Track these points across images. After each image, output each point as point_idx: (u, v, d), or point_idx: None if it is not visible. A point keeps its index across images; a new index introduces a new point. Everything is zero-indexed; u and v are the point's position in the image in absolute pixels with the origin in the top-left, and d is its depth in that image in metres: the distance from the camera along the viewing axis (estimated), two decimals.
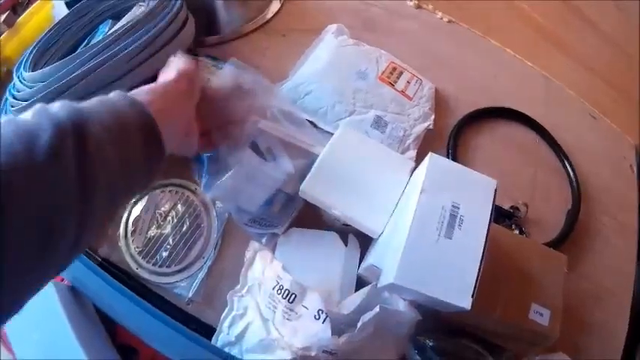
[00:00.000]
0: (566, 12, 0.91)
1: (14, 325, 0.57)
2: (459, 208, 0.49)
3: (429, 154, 0.51)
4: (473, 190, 0.51)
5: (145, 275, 0.59)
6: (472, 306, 0.50)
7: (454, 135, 0.71)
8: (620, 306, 0.66)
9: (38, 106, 0.35)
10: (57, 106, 0.35)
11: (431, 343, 0.54)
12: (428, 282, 0.46)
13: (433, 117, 0.71)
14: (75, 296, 0.62)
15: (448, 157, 0.70)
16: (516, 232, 0.66)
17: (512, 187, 0.71)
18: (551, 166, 0.74)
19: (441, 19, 0.85)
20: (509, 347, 0.57)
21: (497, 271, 0.57)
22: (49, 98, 0.60)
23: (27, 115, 0.34)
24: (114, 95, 0.40)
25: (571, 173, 0.72)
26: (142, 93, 0.43)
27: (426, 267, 0.46)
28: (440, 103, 0.75)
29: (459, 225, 0.48)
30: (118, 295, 0.56)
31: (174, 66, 0.50)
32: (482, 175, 0.52)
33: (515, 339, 0.57)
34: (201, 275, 0.59)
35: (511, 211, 0.68)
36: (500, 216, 0.67)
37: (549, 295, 0.57)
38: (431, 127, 0.70)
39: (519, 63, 0.83)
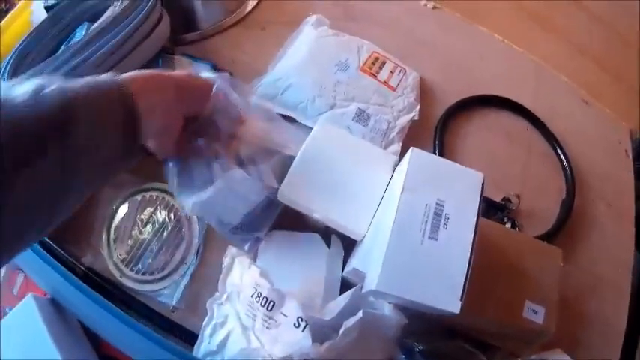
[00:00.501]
0: None
1: None
2: (443, 206, 0.47)
3: (411, 149, 0.49)
4: (458, 186, 0.48)
5: (129, 283, 0.58)
6: (462, 305, 0.48)
7: (441, 125, 0.69)
8: (618, 296, 0.64)
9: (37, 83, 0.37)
10: (51, 85, 0.37)
11: (420, 347, 0.52)
12: (413, 287, 0.44)
13: (418, 107, 0.68)
14: (57, 309, 0.61)
15: (435, 149, 0.68)
16: (508, 225, 0.64)
17: (504, 178, 0.69)
18: (544, 154, 0.72)
19: (426, 5, 0.82)
20: (503, 346, 0.56)
21: (487, 269, 0.55)
22: None
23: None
24: (104, 78, 0.42)
25: (564, 161, 0.70)
26: (134, 78, 0.43)
27: (411, 271, 0.44)
28: (426, 92, 0.73)
29: (445, 224, 0.46)
30: (98, 308, 0.55)
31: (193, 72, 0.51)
32: (468, 169, 0.49)
33: (509, 337, 0.56)
34: (184, 282, 0.58)
35: (502, 203, 0.65)
36: (491, 209, 0.65)
37: (544, 291, 0.55)
38: (416, 117, 0.67)
39: (508, 48, 0.81)
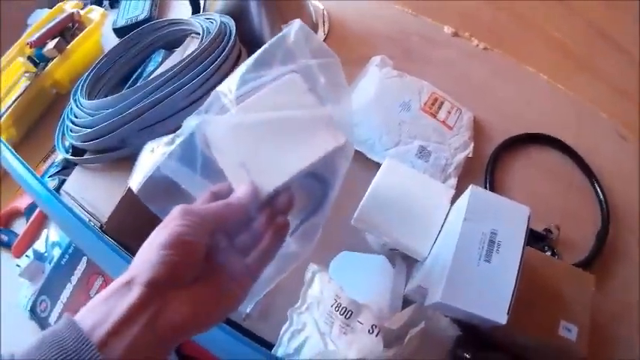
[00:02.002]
0: (593, 35, 0.93)
1: None
2: (496, 234, 0.54)
3: (470, 186, 0.57)
4: (509, 218, 0.56)
5: None
6: (507, 321, 0.56)
7: (492, 162, 0.75)
8: None
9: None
10: None
11: (468, 356, 0.59)
12: (470, 300, 0.51)
13: (472, 145, 0.75)
14: None
15: (486, 184, 0.74)
16: (549, 253, 0.70)
17: (546, 210, 0.74)
18: (583, 189, 0.77)
19: (477, 46, 0.89)
20: None
21: (530, 291, 0.61)
22: (114, 126, 0.64)
23: None
24: (61, 335, 0.32)
25: (600, 195, 0.75)
26: (98, 321, 0.33)
27: (469, 287, 0.52)
28: (477, 130, 0.79)
29: (497, 249, 0.54)
30: None
31: (153, 242, 0.36)
32: (517, 204, 0.57)
33: (546, 354, 0.62)
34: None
35: (544, 233, 0.71)
36: (534, 239, 0.71)
37: (577, 313, 0.61)
38: (470, 155, 0.74)
39: (553, 88, 0.86)
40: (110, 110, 0.65)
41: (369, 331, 0.53)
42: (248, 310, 0.62)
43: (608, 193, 0.76)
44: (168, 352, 0.37)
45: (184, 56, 0.69)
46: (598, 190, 0.77)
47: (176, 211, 0.38)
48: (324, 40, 0.87)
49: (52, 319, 0.72)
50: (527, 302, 0.60)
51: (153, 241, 0.36)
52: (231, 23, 0.75)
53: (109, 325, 0.32)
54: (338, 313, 0.54)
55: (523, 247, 0.55)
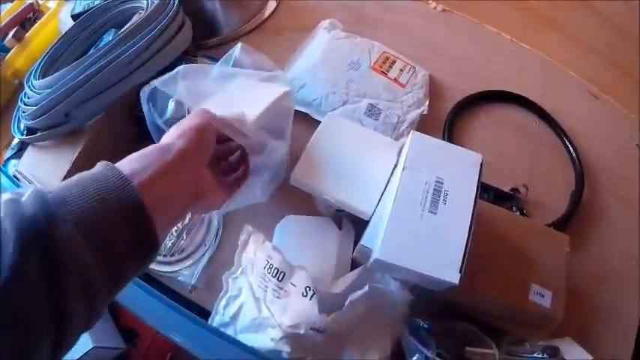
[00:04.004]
0: None
1: None
2: (442, 183, 0.49)
3: (411, 132, 0.52)
4: (458, 165, 0.51)
5: (150, 265, 0.61)
6: (468, 286, 0.50)
7: (449, 120, 0.71)
8: (630, 288, 0.64)
9: (8, 197, 0.32)
10: (26, 199, 0.31)
11: (425, 325, 0.54)
12: (413, 257, 0.46)
13: (427, 103, 0.71)
14: None
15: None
16: (517, 214, 0.66)
17: (513, 170, 0.70)
18: (553, 147, 0.73)
19: (435, 8, 0.86)
20: (510, 330, 0.57)
21: (494, 252, 0.57)
22: (57, 101, 0.64)
23: None
24: (98, 172, 0.35)
25: (572, 153, 0.71)
26: (134, 164, 0.38)
27: (411, 242, 0.47)
28: (436, 90, 0.75)
29: (444, 200, 0.49)
30: None
31: (183, 125, 0.45)
32: (467, 150, 0.52)
33: (516, 322, 0.57)
34: (203, 262, 0.61)
35: (511, 193, 0.67)
36: (500, 198, 0.67)
37: (551, 276, 0.56)
38: (425, 112, 0.70)
39: (516, 47, 0.83)
40: (56, 85, 0.66)
41: (302, 293, 0.47)
42: (193, 282, 0.60)
43: (582, 152, 0.72)
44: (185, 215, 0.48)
45: (123, 28, 0.69)
46: (570, 148, 0.72)
47: (201, 109, 0.48)
48: (276, 9, 0.84)
49: None
50: (491, 264, 0.56)
51: (187, 123, 0.45)
52: None
53: (148, 174, 0.37)
54: (270, 275, 0.49)
55: (475, 197, 0.50)
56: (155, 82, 0.56)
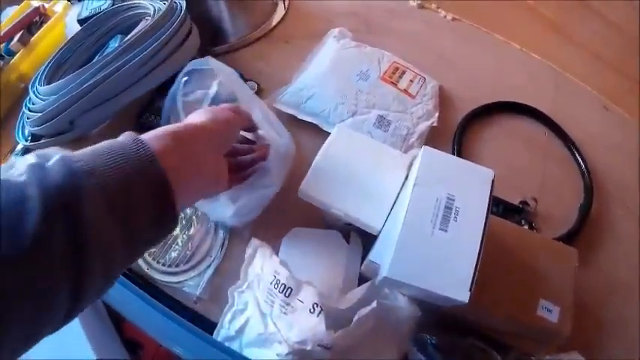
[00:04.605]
0: (573, 4, 0.89)
1: None
2: (454, 200, 0.49)
3: (423, 147, 0.51)
4: (469, 181, 0.50)
5: (156, 276, 0.61)
6: (475, 301, 0.49)
7: (459, 131, 0.71)
8: (636, 300, 0.63)
9: (33, 161, 0.32)
10: (52, 166, 0.31)
11: (432, 340, 0.53)
12: (423, 275, 0.46)
13: (437, 114, 0.70)
14: None
15: (453, 154, 0.69)
16: (526, 227, 0.65)
17: (522, 182, 0.69)
18: (562, 159, 0.72)
19: (445, 17, 0.85)
20: (518, 345, 0.56)
21: (502, 267, 0.56)
22: (62, 109, 0.64)
23: (19, 173, 0.30)
24: (126, 144, 0.36)
25: (582, 165, 0.70)
26: (162, 140, 0.38)
27: (421, 260, 0.46)
28: (445, 100, 0.75)
29: (455, 217, 0.48)
30: (128, 294, 0.57)
31: (216, 110, 0.49)
32: (479, 166, 0.51)
33: (524, 337, 0.56)
34: (208, 273, 0.61)
35: (520, 206, 0.66)
36: (509, 211, 0.66)
37: (559, 291, 0.55)
38: (435, 124, 0.69)
39: (526, 57, 0.82)
40: (62, 92, 0.66)
41: (310, 310, 0.47)
42: (198, 293, 0.60)
43: (591, 163, 0.71)
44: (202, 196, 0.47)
45: (130, 35, 0.68)
46: (579, 160, 0.72)
47: (227, 104, 0.53)
48: (284, 16, 0.84)
49: None
50: (499, 279, 0.55)
51: (219, 109, 0.50)
52: (182, 2, 0.75)
53: (176, 154, 0.38)
54: (277, 290, 0.49)
55: (487, 215, 0.49)
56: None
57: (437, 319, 0.54)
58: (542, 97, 0.77)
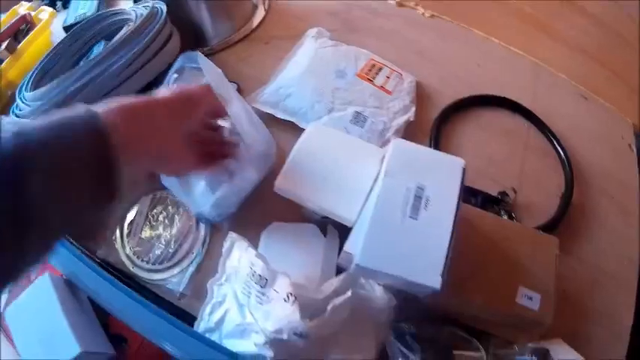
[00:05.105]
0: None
1: (15, 316, 0.61)
2: (424, 190, 0.49)
3: (393, 139, 0.52)
4: (440, 171, 0.51)
5: (140, 274, 0.62)
6: (455, 291, 0.50)
7: (437, 125, 0.71)
8: (624, 291, 0.63)
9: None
10: (7, 129, 0.33)
11: (411, 330, 0.53)
12: (394, 262, 0.47)
13: (414, 109, 0.71)
14: (70, 288, 0.65)
15: (430, 147, 0.69)
16: (505, 217, 0.65)
17: (502, 174, 0.70)
18: (543, 150, 0.73)
19: (423, 14, 0.86)
20: (499, 333, 0.56)
21: (480, 256, 0.56)
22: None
23: None
24: (77, 118, 0.37)
25: (562, 155, 0.71)
26: (116, 114, 0.39)
27: (392, 248, 0.47)
28: (423, 96, 0.75)
29: (425, 206, 0.49)
30: (114, 290, 0.58)
31: (181, 85, 0.52)
32: (450, 156, 0.52)
33: (505, 325, 0.56)
34: (190, 270, 0.62)
35: (499, 197, 0.67)
36: (488, 202, 0.66)
37: (540, 279, 0.56)
38: (412, 119, 0.70)
39: (505, 51, 0.83)
40: (47, 97, 0.67)
41: (284, 299, 0.47)
42: (182, 289, 0.61)
43: (574, 154, 0.72)
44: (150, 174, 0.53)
45: (113, 40, 0.70)
46: (560, 150, 0.72)
47: (207, 85, 0.53)
48: (264, 18, 0.85)
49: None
50: (478, 269, 0.56)
51: (184, 85, 0.52)
52: (163, 6, 0.76)
53: (123, 114, 0.40)
54: (253, 282, 0.49)
55: (457, 203, 0.50)
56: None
57: (417, 309, 0.54)
58: (522, 90, 0.77)
